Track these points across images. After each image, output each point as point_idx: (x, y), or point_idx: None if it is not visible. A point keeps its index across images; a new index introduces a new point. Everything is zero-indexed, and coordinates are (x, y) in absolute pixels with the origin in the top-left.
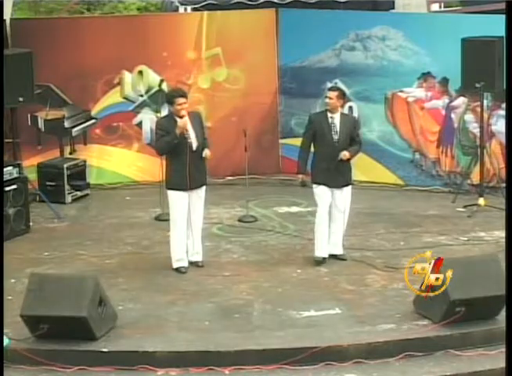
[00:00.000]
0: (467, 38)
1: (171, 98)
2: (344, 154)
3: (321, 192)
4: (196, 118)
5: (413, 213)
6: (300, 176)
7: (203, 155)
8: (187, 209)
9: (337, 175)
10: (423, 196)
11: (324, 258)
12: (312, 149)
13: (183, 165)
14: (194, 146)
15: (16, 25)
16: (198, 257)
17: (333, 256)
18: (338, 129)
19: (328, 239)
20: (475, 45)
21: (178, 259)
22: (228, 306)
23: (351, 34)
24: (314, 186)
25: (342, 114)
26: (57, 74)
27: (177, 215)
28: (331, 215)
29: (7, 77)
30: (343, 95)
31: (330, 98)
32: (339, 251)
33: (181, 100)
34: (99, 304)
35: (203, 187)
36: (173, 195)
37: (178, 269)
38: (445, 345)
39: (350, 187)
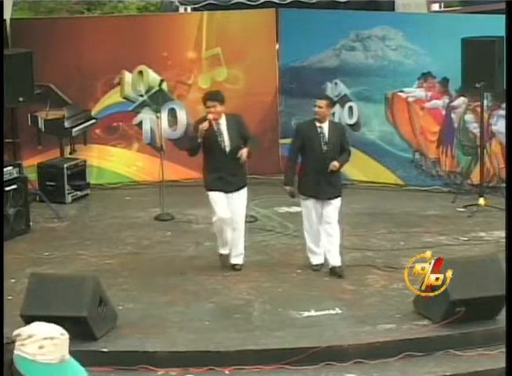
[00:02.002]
0: (467, 38)
1: (202, 100)
2: (334, 165)
3: (310, 204)
4: (233, 121)
5: (413, 213)
6: (287, 188)
7: (238, 155)
8: (225, 208)
9: (327, 187)
10: (423, 196)
11: (322, 264)
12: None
13: (215, 167)
14: (227, 148)
15: (16, 25)
16: (238, 260)
17: (331, 269)
18: (327, 139)
19: (326, 252)
20: (475, 45)
21: (222, 246)
22: (228, 306)
23: (351, 34)
24: (302, 197)
25: (331, 123)
26: (57, 74)
27: (214, 213)
28: (323, 229)
29: (7, 77)
30: (332, 104)
31: (320, 107)
32: (337, 262)
33: (210, 103)
34: (99, 304)
35: (243, 190)
36: (209, 195)
37: (220, 255)
38: (445, 345)
39: (340, 199)
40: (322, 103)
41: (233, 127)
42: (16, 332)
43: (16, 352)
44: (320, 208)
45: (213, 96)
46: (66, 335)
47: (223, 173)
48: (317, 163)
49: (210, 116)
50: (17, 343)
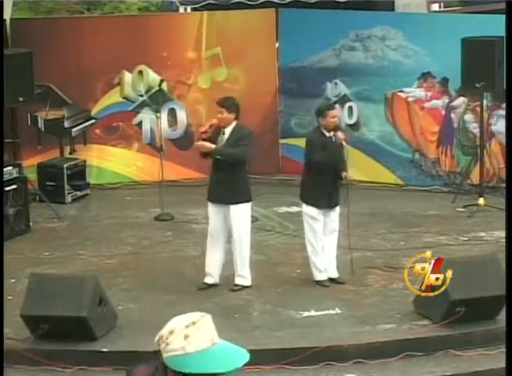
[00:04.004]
0: (467, 38)
1: None
2: (346, 175)
3: (315, 214)
4: (239, 132)
5: (413, 213)
6: None
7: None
8: (216, 223)
9: (332, 195)
10: (423, 196)
11: (326, 280)
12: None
13: (212, 175)
14: (219, 157)
15: (16, 25)
16: (242, 281)
17: (331, 280)
18: (335, 148)
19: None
20: (475, 45)
21: (206, 273)
22: (229, 306)
23: (351, 34)
24: (306, 206)
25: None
26: (57, 74)
27: (209, 226)
28: (327, 238)
29: (7, 77)
30: None
31: (337, 116)
32: (334, 274)
33: (217, 109)
34: (99, 304)
35: (242, 205)
36: (208, 205)
37: (202, 283)
38: (445, 345)
39: (338, 207)
40: (336, 112)
41: (235, 139)
42: (156, 338)
43: (164, 355)
44: (323, 218)
45: (220, 102)
46: (208, 316)
47: (218, 183)
48: (330, 173)
49: (214, 120)
50: (161, 347)
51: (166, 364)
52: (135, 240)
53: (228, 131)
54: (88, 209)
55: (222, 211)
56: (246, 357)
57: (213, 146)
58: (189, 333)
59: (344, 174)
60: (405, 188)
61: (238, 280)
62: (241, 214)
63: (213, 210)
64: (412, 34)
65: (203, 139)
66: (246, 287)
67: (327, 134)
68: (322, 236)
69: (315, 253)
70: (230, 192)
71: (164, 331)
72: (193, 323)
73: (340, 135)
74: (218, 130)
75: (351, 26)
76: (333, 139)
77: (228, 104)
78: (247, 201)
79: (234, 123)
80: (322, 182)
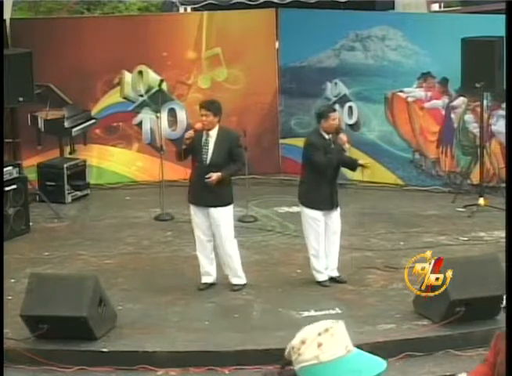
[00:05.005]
0: (467, 38)
1: (199, 108)
2: (363, 163)
3: (316, 215)
4: (226, 136)
5: (413, 213)
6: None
7: (207, 176)
8: (203, 224)
9: (332, 197)
10: (423, 196)
11: (327, 280)
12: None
13: (194, 178)
14: (207, 162)
15: (16, 25)
16: (236, 280)
17: (331, 279)
18: (333, 149)
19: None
20: (475, 45)
21: (203, 273)
22: (228, 306)
23: (351, 34)
24: (306, 209)
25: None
26: (57, 74)
27: (194, 228)
28: (329, 240)
29: (7, 77)
30: None
31: (337, 118)
32: (335, 273)
33: (202, 112)
34: (99, 304)
35: (223, 208)
36: (190, 208)
37: (201, 283)
38: (445, 345)
39: (339, 207)
40: (337, 114)
41: (223, 142)
42: (286, 351)
43: (296, 367)
44: (325, 219)
45: (205, 105)
46: (340, 322)
47: (200, 186)
48: (329, 176)
49: (197, 125)
50: (293, 358)
51: None
52: (135, 240)
53: (213, 134)
54: (88, 209)
55: (205, 213)
56: (383, 366)
57: (222, 174)
58: (323, 341)
59: (360, 161)
60: (405, 188)
61: (234, 280)
62: (223, 217)
63: (195, 212)
64: (412, 34)
65: (187, 144)
66: (243, 285)
67: (327, 136)
68: (324, 236)
69: (316, 255)
70: (212, 195)
71: (295, 341)
72: (326, 330)
73: (342, 137)
74: (200, 132)
75: (351, 26)
76: (332, 142)
77: (214, 107)
78: (229, 204)
79: (217, 126)
80: (322, 184)
